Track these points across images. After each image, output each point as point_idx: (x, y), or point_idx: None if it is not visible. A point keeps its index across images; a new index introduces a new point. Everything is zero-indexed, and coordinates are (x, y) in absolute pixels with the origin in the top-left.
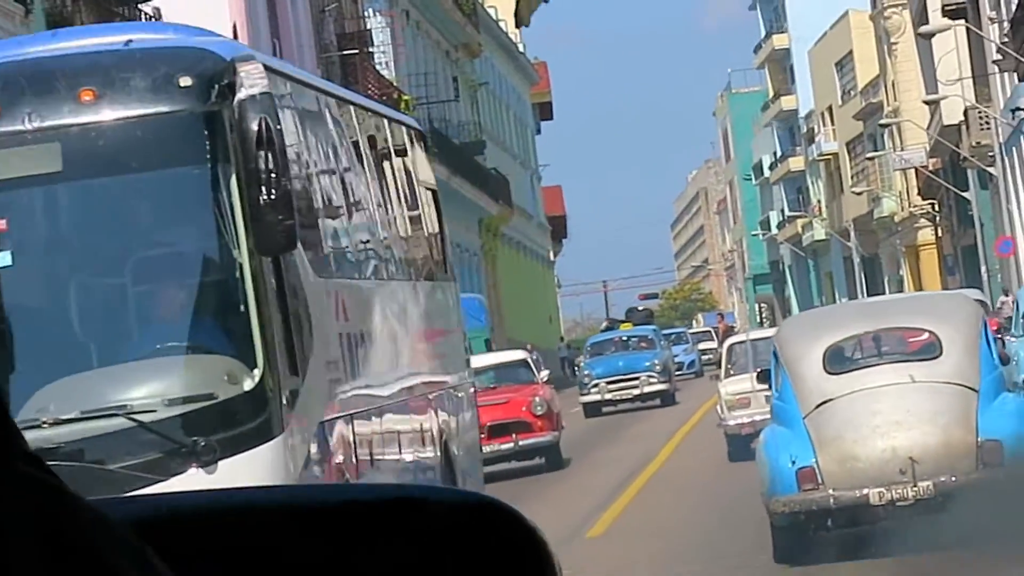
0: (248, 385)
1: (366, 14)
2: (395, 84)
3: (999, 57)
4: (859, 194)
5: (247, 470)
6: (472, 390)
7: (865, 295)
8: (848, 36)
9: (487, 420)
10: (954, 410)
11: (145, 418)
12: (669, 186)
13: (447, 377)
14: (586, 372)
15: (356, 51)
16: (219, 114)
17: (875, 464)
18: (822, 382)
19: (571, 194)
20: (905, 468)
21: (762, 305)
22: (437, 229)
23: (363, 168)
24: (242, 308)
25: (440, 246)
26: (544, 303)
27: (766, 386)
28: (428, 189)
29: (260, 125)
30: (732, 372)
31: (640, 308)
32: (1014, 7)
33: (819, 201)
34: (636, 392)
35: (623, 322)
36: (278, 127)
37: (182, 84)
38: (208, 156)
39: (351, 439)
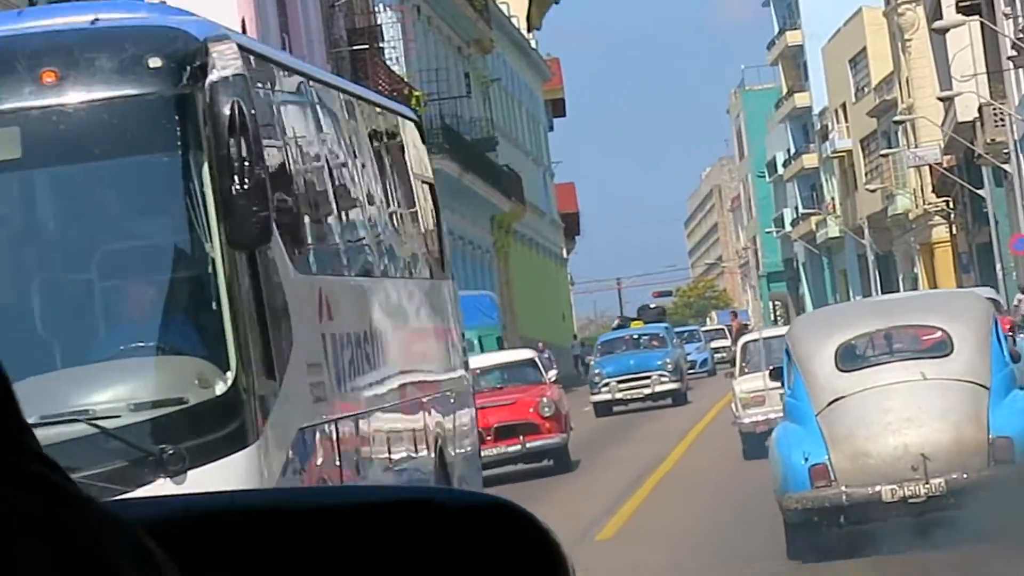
0: (220, 389)
1: (377, 9)
2: (406, 80)
3: (1014, 53)
4: (873, 191)
5: (218, 480)
6: (471, 392)
7: (879, 293)
8: (862, 32)
9: (493, 421)
10: (965, 407)
11: (109, 424)
12: (683, 183)
13: (443, 379)
14: (596, 371)
15: (366, 46)
16: (190, 97)
17: (887, 461)
18: (834, 379)
19: (584, 191)
20: (917, 465)
21: (776, 303)
22: (434, 224)
23: (352, 159)
24: (214, 306)
25: (437, 242)
26: (557, 300)
27: (778, 384)
28: (424, 182)
29: (233, 109)
30: (747, 370)
31: (652, 306)
32: None
33: (833, 198)
34: (647, 391)
35: (635, 320)
36: (252, 111)
37: (151, 65)
38: (178, 142)
39: (335, 447)
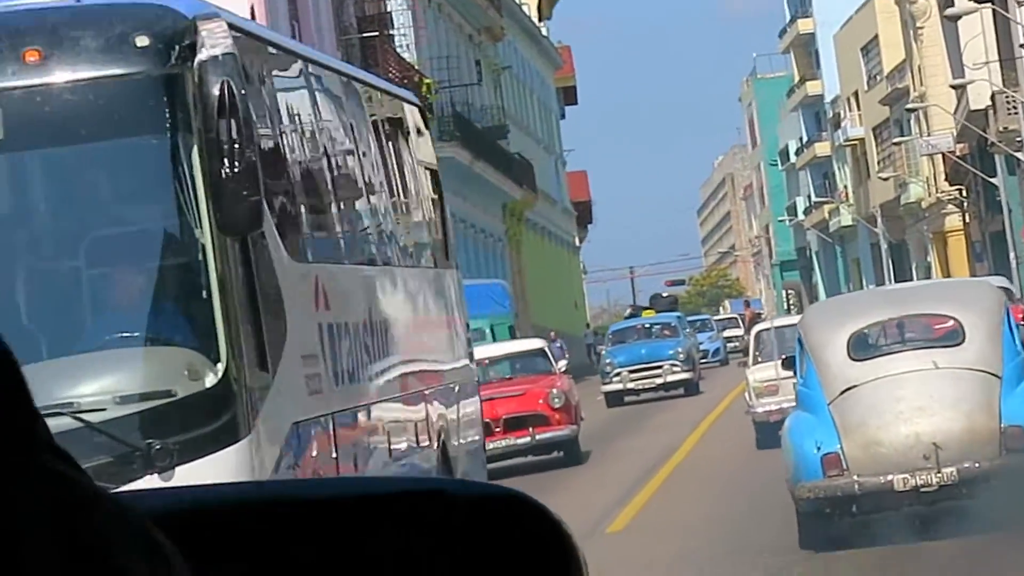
0: (210, 381)
1: None
2: (416, 67)
3: None
4: (886, 180)
5: (208, 476)
6: (475, 383)
7: (892, 281)
8: (874, 20)
9: (503, 413)
10: (977, 396)
11: (94, 418)
12: (695, 172)
13: (446, 370)
14: (608, 360)
15: (376, 33)
16: (179, 77)
17: (899, 450)
18: (846, 368)
19: (596, 179)
20: (929, 454)
21: (789, 292)
22: (437, 212)
23: (352, 143)
24: (204, 294)
25: (441, 230)
26: (569, 289)
27: (791, 373)
28: (428, 169)
29: (222, 89)
30: (760, 359)
31: (664, 295)
32: None
33: (846, 187)
34: (659, 381)
35: (647, 309)
36: (243, 92)
37: (138, 44)
38: (166, 124)
39: (331, 441)
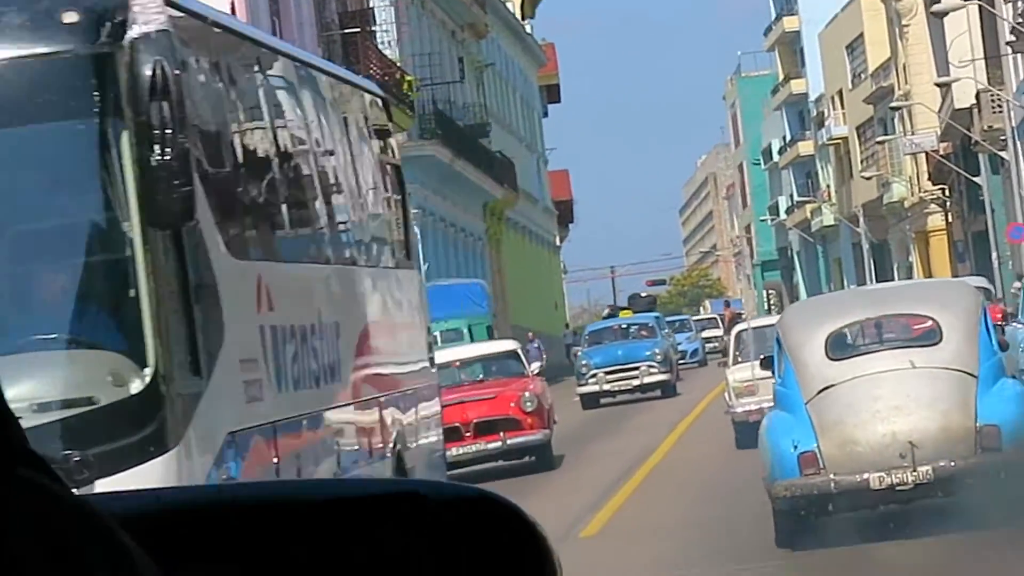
0: (136, 387)
1: None
2: (398, 64)
3: (1013, 38)
4: (869, 179)
5: None
6: (436, 389)
7: (874, 281)
8: (859, 18)
9: (473, 416)
10: (953, 395)
11: None
12: (678, 171)
13: (403, 375)
14: (584, 361)
15: (358, 29)
16: (109, 57)
17: (875, 449)
18: (824, 368)
19: (578, 178)
20: (905, 453)
21: (770, 292)
22: (399, 210)
23: (305, 134)
24: (131, 293)
25: (401, 228)
26: (549, 289)
27: (769, 373)
28: (390, 165)
29: (155, 70)
30: (740, 359)
31: (643, 295)
32: None
33: (828, 186)
34: (636, 383)
35: (624, 309)
36: (177, 73)
37: (65, 20)
38: (94, 108)
39: (272, 453)
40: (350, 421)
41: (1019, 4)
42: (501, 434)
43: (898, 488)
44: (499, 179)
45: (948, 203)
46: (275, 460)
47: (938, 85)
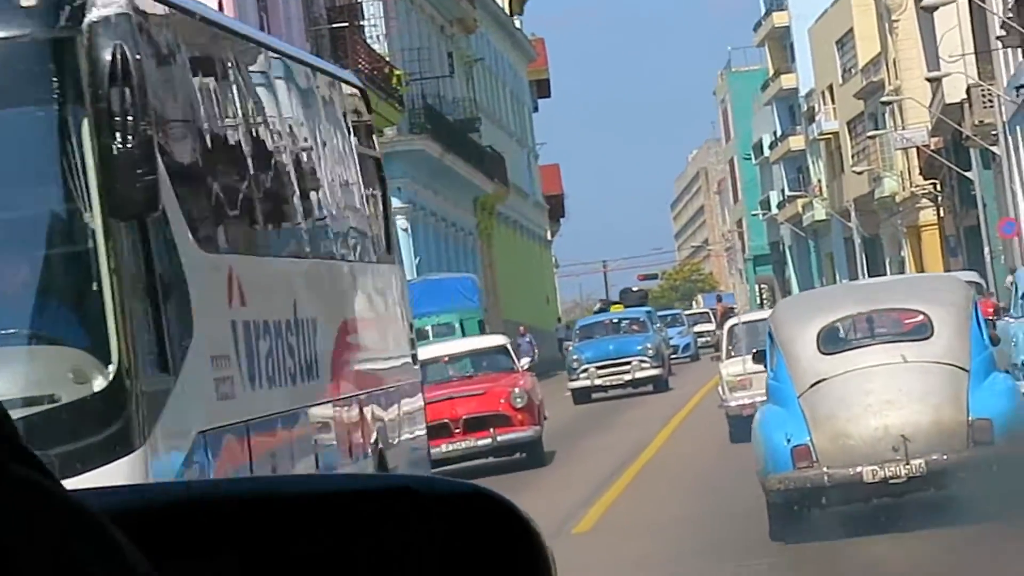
0: (99, 384)
1: None
2: (387, 59)
3: (1003, 33)
4: (860, 174)
5: None
6: (419, 386)
7: (866, 276)
8: (849, 13)
9: (462, 413)
10: (945, 389)
11: None
12: (669, 165)
13: (384, 372)
14: (575, 356)
15: (346, 24)
16: (68, 41)
17: (868, 442)
18: (816, 362)
19: (569, 173)
20: (897, 446)
21: (762, 286)
22: (379, 203)
23: (279, 125)
24: (94, 286)
25: (381, 222)
26: (541, 283)
27: (761, 367)
28: (369, 156)
29: (115, 55)
30: (733, 353)
31: (635, 289)
32: None
33: (819, 181)
34: (627, 377)
35: (616, 304)
36: (138, 57)
37: (22, 3)
38: (53, 94)
39: (245, 453)
40: (329, 419)
41: None
42: (491, 430)
43: (891, 481)
44: (489, 173)
45: (940, 198)
46: (248, 460)
47: (928, 80)
